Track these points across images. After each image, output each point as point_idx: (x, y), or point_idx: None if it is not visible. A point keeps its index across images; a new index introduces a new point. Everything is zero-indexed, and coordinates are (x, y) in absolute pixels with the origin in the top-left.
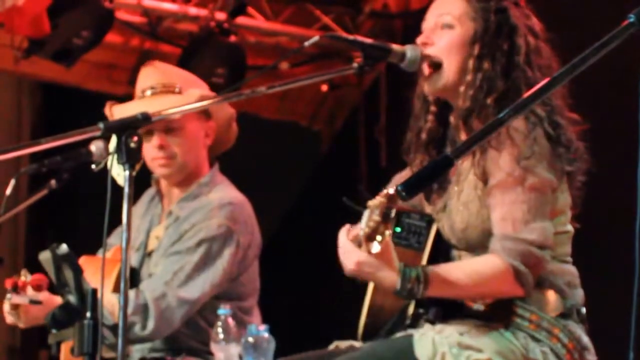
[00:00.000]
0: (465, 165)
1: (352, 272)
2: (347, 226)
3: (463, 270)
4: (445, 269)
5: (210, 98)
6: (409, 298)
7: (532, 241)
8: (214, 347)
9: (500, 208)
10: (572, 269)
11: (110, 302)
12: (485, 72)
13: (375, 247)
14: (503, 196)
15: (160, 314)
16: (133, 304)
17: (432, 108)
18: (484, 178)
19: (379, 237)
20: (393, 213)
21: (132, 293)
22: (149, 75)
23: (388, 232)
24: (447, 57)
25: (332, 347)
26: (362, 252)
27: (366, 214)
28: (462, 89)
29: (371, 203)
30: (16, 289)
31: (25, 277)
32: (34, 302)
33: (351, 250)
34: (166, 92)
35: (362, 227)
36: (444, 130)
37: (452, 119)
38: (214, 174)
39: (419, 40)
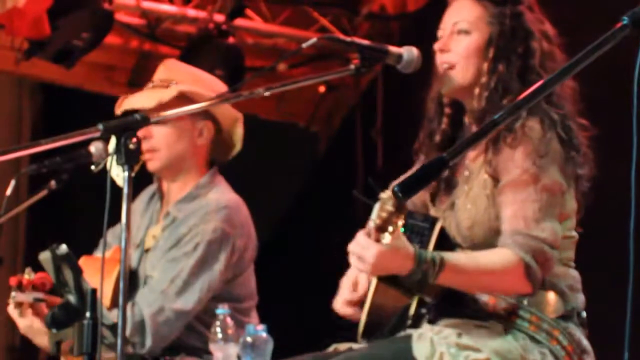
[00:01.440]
0: (476, 165)
1: (371, 267)
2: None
3: (475, 259)
4: (459, 256)
5: (198, 94)
6: (422, 281)
7: (543, 239)
8: (212, 347)
9: (512, 205)
10: (575, 274)
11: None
12: (500, 75)
13: (387, 238)
14: (515, 194)
15: (157, 329)
16: (130, 322)
17: (447, 110)
18: (495, 176)
19: (390, 228)
20: (405, 205)
21: (128, 309)
22: (158, 71)
23: (400, 223)
24: (463, 60)
25: (330, 349)
26: (377, 245)
27: (377, 205)
28: (477, 90)
29: (384, 195)
30: (21, 287)
31: (29, 275)
32: (38, 299)
33: (368, 244)
34: (160, 86)
35: (372, 219)
36: (456, 132)
37: (466, 119)
38: (213, 175)
39: (437, 46)
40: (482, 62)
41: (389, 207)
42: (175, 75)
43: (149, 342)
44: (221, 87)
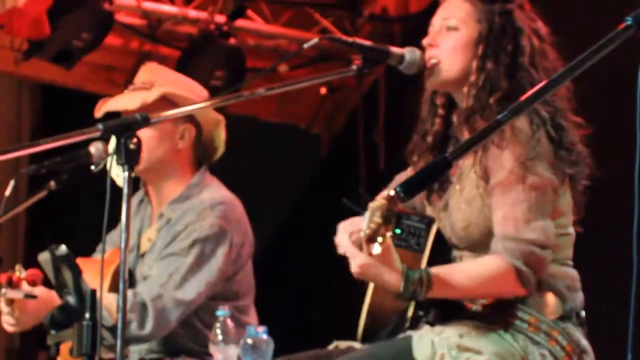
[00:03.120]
0: (467, 164)
1: (356, 275)
2: (344, 224)
3: (465, 272)
4: (447, 271)
5: (180, 97)
6: (411, 300)
7: (533, 241)
8: (212, 349)
9: (502, 208)
10: (573, 272)
11: (108, 299)
12: (488, 73)
13: (376, 249)
14: (504, 196)
15: (158, 314)
16: (131, 302)
17: (440, 111)
18: (486, 176)
19: (379, 239)
20: (394, 215)
21: (130, 293)
22: (139, 74)
23: (389, 234)
24: (450, 56)
25: (331, 347)
26: (364, 255)
27: (367, 215)
28: (465, 89)
29: (372, 205)
30: (11, 284)
31: (20, 272)
32: (29, 296)
33: (354, 253)
34: (142, 88)
35: (362, 229)
36: (448, 132)
37: (454, 118)
38: (203, 175)
39: (425, 41)
40: (470, 59)
41: (377, 218)
42: (157, 78)
43: (149, 324)
44: (201, 90)
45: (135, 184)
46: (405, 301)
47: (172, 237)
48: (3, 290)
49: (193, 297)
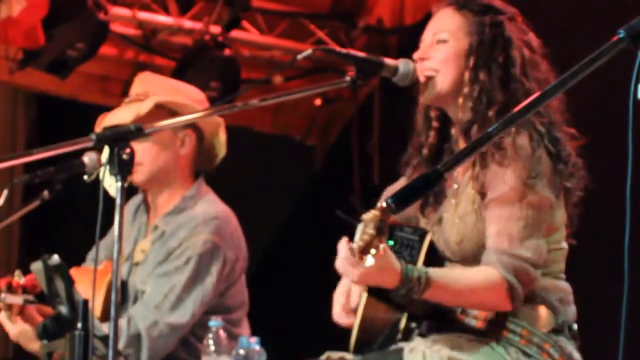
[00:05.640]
0: (463, 179)
1: (357, 284)
2: (346, 239)
3: (461, 276)
4: (444, 273)
5: (175, 104)
6: (407, 297)
7: (527, 258)
8: None
9: (497, 222)
10: (565, 286)
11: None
12: (482, 84)
13: (369, 261)
14: (500, 211)
15: (153, 343)
16: (125, 335)
17: (434, 124)
18: (483, 192)
19: (372, 251)
20: (387, 226)
21: (123, 322)
22: (133, 86)
23: (382, 246)
24: (442, 68)
25: (323, 357)
26: (363, 263)
27: (360, 227)
28: (460, 100)
29: (365, 217)
30: (11, 289)
31: (19, 278)
32: (28, 302)
33: (353, 262)
34: (136, 100)
35: (356, 241)
36: (443, 145)
37: (453, 131)
38: (199, 187)
39: (416, 55)
40: (462, 71)
41: (370, 230)
42: (151, 88)
43: (144, 355)
44: (199, 95)
45: (129, 191)
46: (400, 297)
47: (166, 253)
48: (2, 295)
49: (187, 320)
